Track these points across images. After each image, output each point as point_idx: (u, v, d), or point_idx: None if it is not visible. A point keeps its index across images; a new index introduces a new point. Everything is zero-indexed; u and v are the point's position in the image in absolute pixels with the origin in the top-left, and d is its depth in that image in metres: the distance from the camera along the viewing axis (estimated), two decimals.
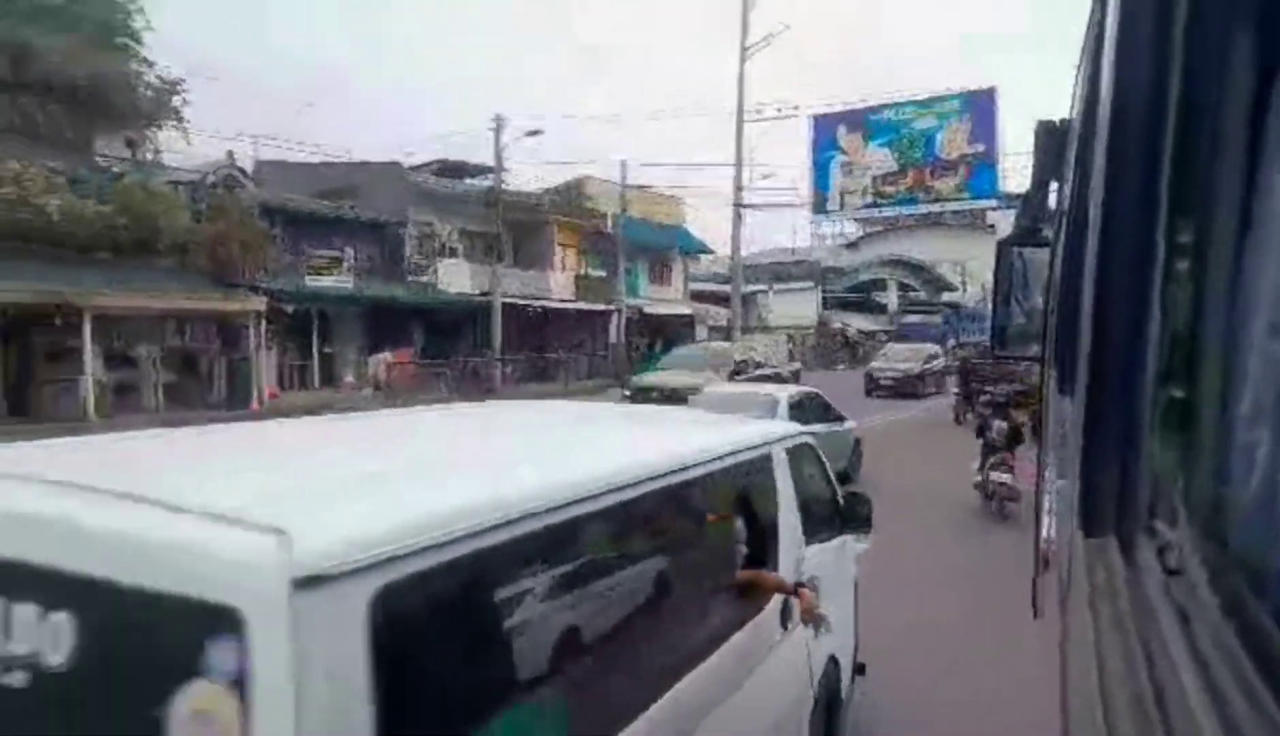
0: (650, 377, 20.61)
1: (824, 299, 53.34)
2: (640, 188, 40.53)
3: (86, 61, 24.45)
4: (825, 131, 64.71)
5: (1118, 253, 1.17)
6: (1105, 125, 1.23)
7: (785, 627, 3.69)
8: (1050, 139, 3.06)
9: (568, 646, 2.35)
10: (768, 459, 3.82)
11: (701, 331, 43.99)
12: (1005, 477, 10.92)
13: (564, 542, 2.27)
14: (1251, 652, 0.61)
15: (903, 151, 62.77)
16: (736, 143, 40.86)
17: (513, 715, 2.09)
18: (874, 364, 31.35)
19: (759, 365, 23.20)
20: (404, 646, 1.62)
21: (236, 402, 23.23)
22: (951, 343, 46.78)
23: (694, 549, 3.31)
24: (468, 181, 36.03)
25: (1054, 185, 3.32)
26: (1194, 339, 0.86)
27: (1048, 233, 3.60)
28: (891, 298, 56.23)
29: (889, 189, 63.67)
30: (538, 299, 35.20)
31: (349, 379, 28.31)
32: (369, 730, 1.51)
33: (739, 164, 38.66)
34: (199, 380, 23.94)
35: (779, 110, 48.39)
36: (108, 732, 1.62)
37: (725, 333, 43.81)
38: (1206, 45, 0.85)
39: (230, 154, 25.13)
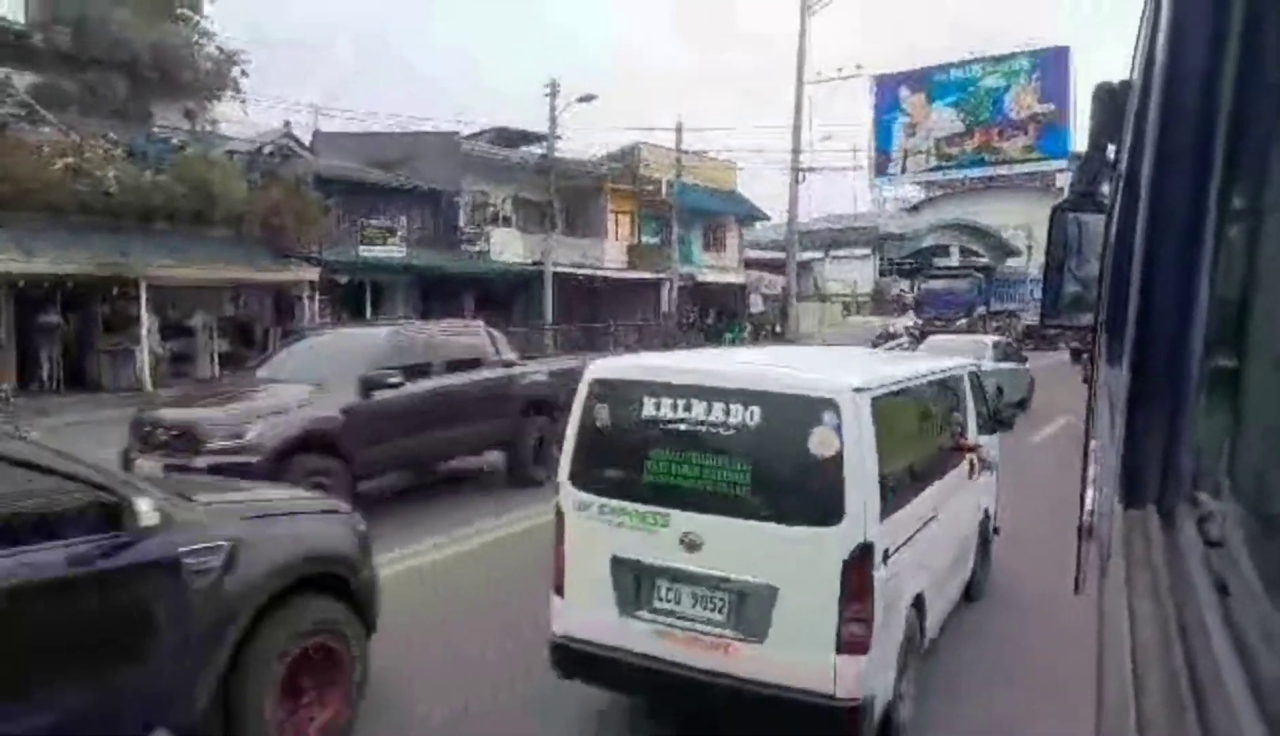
0: None
1: (884, 265, 52.05)
2: (695, 152, 39.92)
3: (147, 33, 24.77)
4: (888, 92, 63.03)
5: (1168, 218, 1.16)
6: (1160, 88, 1.20)
7: (970, 477, 6.09)
8: (1109, 101, 3.10)
9: (911, 439, 5.05)
10: (961, 378, 6.21)
11: (756, 300, 43.40)
12: None
13: (910, 397, 5.00)
14: None
15: (969, 111, 60.91)
16: (796, 102, 39.97)
17: (895, 463, 4.35)
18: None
19: (472, 363, 10.61)
20: (879, 415, 4.07)
21: None
22: (981, 310, 42.91)
23: (944, 417, 5.74)
24: (524, 150, 35.86)
25: (1112, 149, 3.41)
26: (1243, 308, 0.84)
27: (1104, 198, 3.73)
28: (953, 263, 54.64)
29: (952, 150, 61.93)
30: (589, 268, 35.01)
31: None
32: (873, 438, 3.97)
33: (798, 126, 37.82)
34: (254, 349, 24.32)
35: (840, 70, 47.19)
36: (780, 449, 4.09)
37: (780, 301, 43.19)
38: (1265, 7, 0.84)
39: (286, 124, 25.30)
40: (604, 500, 4.34)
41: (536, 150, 35.00)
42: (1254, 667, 0.61)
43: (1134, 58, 2.56)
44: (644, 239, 38.99)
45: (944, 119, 61.88)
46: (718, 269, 42.68)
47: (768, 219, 47.49)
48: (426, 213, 31.08)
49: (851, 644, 3.84)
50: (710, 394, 4.15)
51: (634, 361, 5.28)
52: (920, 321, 38.14)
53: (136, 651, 3.42)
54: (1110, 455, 1.69)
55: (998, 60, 60.32)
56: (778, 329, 41.88)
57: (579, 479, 4.46)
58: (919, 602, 4.62)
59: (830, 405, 3.90)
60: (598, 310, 36.39)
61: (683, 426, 4.19)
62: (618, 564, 4.30)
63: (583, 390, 4.54)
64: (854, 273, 49.35)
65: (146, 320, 20.80)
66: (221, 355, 23.45)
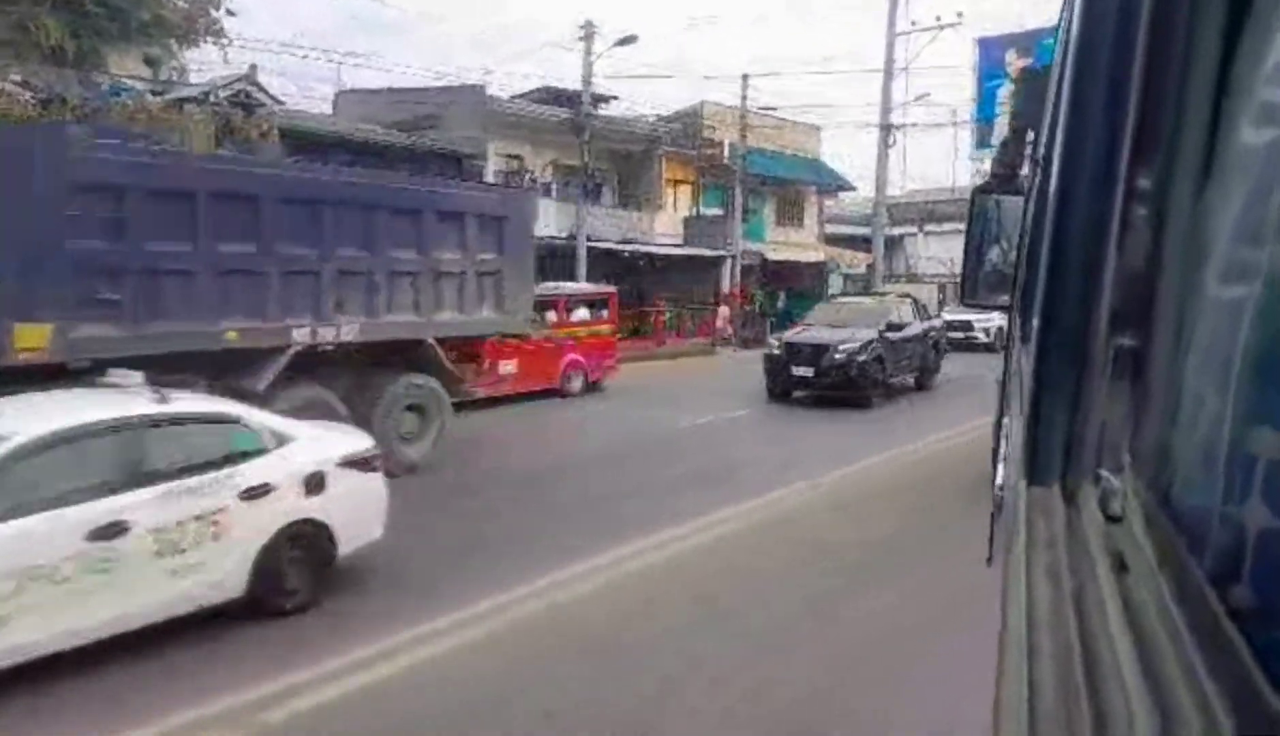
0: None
1: None
2: (766, 110, 34.41)
3: None
4: (992, 56, 56.20)
5: (1076, 201, 1.18)
6: (1071, 71, 1.23)
7: None
8: (1033, 85, 3.44)
9: None
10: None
11: (835, 280, 37.73)
12: None
13: None
14: (1182, 600, 0.62)
15: None
16: (887, 52, 34.25)
17: None
18: None
19: None
20: None
21: None
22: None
23: None
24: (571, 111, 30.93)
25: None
26: (1148, 289, 0.86)
27: (1023, 181, 3.89)
28: None
29: None
30: (635, 243, 29.97)
31: None
32: None
33: (888, 74, 32.05)
34: None
35: (938, 18, 41.12)
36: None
37: (865, 282, 37.44)
38: None
39: (251, 68, 20.84)
40: None
41: (591, 110, 29.94)
42: (1146, 642, 0.62)
43: (1055, 41, 2.61)
44: (705, 210, 33.74)
45: None
46: (792, 245, 37.00)
47: (854, 189, 41.56)
48: (446, 178, 26.51)
49: None
50: None
51: None
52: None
53: None
54: (1018, 431, 1.70)
55: None
56: None
57: None
58: None
59: None
60: (646, 291, 31.26)
61: None
62: None
63: None
64: (953, 250, 43.01)
65: None
66: None
